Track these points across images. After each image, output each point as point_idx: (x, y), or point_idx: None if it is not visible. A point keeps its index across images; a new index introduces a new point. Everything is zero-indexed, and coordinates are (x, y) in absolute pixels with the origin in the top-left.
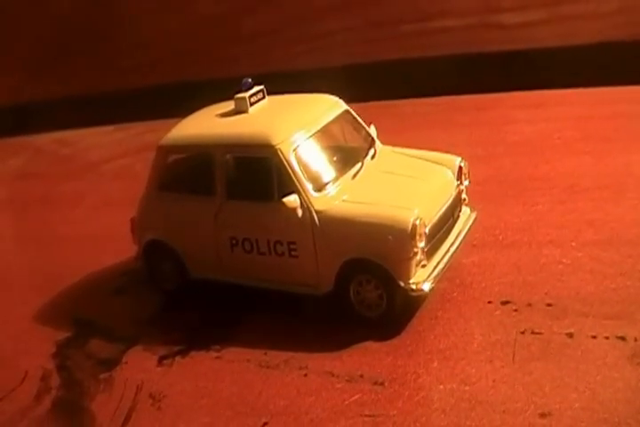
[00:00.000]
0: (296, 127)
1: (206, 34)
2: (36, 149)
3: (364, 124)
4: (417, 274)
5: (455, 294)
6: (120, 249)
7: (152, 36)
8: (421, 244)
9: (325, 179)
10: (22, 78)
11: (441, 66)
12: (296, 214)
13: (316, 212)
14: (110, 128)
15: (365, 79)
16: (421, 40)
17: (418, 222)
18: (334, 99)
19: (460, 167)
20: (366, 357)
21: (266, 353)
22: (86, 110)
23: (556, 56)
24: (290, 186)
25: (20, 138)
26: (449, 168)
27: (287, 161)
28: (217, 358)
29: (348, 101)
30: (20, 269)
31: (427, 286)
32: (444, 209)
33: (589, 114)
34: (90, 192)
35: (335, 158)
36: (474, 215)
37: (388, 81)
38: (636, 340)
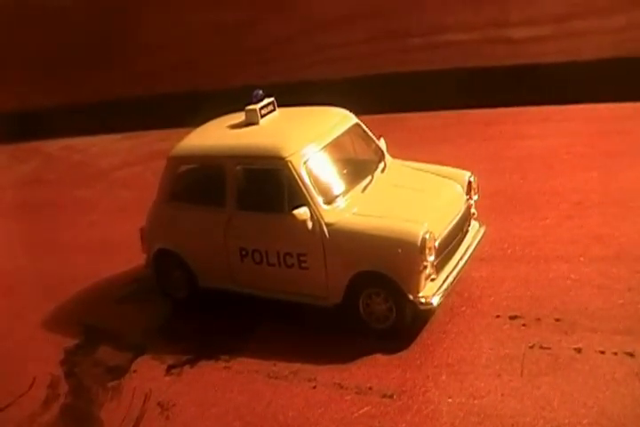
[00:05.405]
0: (307, 140)
1: (217, 44)
2: (47, 156)
3: (374, 137)
4: (426, 287)
5: (464, 308)
6: (130, 256)
7: (163, 44)
8: (431, 257)
9: (335, 191)
10: (34, 84)
11: (449, 80)
12: (306, 227)
13: (326, 224)
14: (121, 136)
15: (373, 92)
16: (429, 54)
17: (427, 236)
18: (345, 112)
19: (470, 182)
20: (375, 369)
21: (275, 364)
22: (97, 117)
23: (565, 71)
24: (300, 198)
25: (31, 144)
26: (458, 183)
27: (298, 173)
28: (226, 368)
29: (356, 114)
30: (29, 275)
31: (436, 300)
32: (453, 223)
33: (598, 129)
34: (100, 199)
35: (345, 171)
36: (483, 230)
37: (396, 94)
38: None
